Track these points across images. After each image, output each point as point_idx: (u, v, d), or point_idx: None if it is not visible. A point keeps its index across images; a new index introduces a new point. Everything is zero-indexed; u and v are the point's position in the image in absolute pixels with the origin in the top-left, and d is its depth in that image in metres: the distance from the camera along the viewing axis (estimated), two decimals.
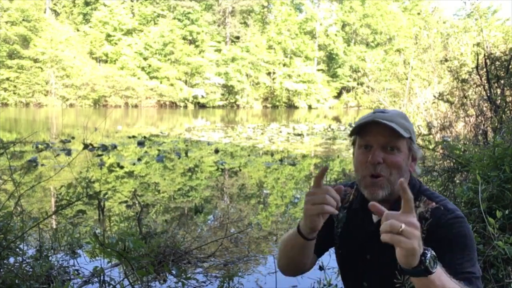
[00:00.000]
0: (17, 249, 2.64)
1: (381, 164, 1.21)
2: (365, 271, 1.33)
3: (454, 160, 3.32)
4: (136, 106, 41.53)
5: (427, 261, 0.96)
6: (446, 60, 10.62)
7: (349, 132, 1.31)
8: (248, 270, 3.47)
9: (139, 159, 9.42)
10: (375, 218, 1.30)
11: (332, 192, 1.13)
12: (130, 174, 7.99)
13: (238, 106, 47.06)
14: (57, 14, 48.43)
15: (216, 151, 10.87)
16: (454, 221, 1.17)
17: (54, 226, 4.53)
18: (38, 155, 9.32)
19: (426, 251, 0.97)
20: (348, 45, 56.51)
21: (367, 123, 1.22)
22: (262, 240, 4.27)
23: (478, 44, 7.96)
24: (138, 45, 44.60)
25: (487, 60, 5.28)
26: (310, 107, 50.09)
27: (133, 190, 6.38)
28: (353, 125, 1.28)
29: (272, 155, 10.58)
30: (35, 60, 38.95)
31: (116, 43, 45.28)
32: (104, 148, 10.78)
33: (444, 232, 1.16)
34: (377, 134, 1.22)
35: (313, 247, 1.31)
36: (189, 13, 47.88)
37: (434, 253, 0.98)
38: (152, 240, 3.47)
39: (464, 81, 7.04)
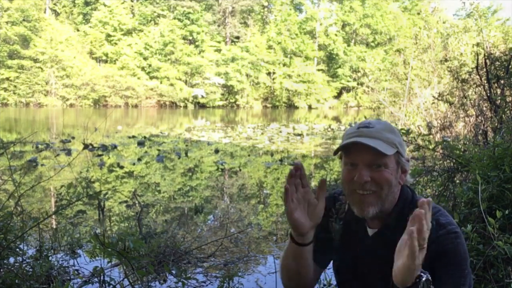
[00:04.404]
0: (17, 249, 2.64)
1: (369, 182, 1.17)
2: (361, 285, 1.30)
3: (454, 160, 3.32)
4: (136, 106, 41.52)
5: (421, 284, 0.97)
6: (446, 60, 10.59)
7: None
8: (248, 270, 3.47)
9: (139, 159, 9.42)
10: (370, 231, 1.27)
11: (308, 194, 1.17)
12: (130, 174, 7.99)
13: (238, 106, 47.04)
14: (57, 14, 48.44)
15: (216, 151, 10.87)
16: (446, 237, 1.14)
17: (54, 226, 4.53)
18: (38, 155, 9.33)
19: (422, 274, 0.97)
20: (348, 45, 56.45)
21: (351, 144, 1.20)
22: (262, 240, 4.27)
23: (478, 44, 7.94)
24: (138, 45, 44.60)
25: (487, 60, 5.27)
26: (310, 107, 50.05)
27: (133, 190, 6.37)
28: (339, 145, 1.27)
29: (272, 155, 10.58)
30: (35, 60, 38.95)
31: (116, 43, 45.29)
32: (104, 148, 10.78)
33: (435, 248, 1.12)
34: (362, 153, 1.17)
35: (310, 256, 1.27)
36: (189, 13, 47.87)
37: (430, 278, 0.98)
38: (152, 240, 3.47)
39: (464, 81, 7.03)
